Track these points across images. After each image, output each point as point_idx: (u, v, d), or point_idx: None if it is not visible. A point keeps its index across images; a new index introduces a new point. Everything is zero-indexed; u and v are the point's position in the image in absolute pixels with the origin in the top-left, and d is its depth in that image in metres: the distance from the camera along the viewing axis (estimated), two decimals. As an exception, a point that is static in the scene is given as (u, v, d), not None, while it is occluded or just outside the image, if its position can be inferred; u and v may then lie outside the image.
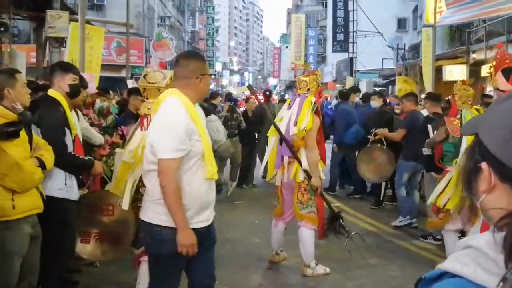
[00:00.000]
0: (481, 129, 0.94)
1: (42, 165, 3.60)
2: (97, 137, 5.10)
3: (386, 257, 6.07)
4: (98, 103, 6.14)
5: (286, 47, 61.13)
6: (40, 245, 3.79)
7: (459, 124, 5.30)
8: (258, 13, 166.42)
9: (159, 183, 3.01)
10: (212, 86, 52.08)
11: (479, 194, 0.92)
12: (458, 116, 5.40)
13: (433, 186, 5.98)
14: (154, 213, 3.12)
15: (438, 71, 14.59)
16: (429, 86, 13.04)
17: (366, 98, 10.65)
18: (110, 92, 8.54)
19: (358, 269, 5.63)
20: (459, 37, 18.07)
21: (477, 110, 5.46)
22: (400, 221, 7.53)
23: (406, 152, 7.55)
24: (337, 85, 32.84)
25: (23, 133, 3.55)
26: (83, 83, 4.75)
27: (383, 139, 8.08)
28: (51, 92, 4.13)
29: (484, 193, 0.91)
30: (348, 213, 7.95)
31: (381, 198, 8.86)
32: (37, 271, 3.77)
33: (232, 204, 8.72)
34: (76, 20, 8.57)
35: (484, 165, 0.91)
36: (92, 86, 6.29)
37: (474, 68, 15.26)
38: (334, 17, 32.95)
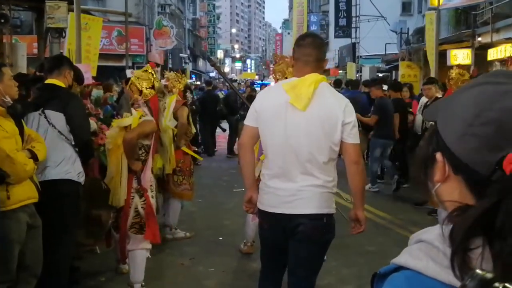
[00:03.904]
0: (440, 118, 0.92)
1: (34, 157, 3.65)
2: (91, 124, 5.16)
3: (385, 244, 6.10)
4: (95, 93, 6.17)
5: (288, 33, 60.83)
6: (57, 231, 3.98)
7: None
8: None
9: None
10: (213, 74, 52.03)
11: (433, 182, 0.92)
12: None
13: None
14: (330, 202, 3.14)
15: (443, 56, 14.39)
16: (433, 71, 12.90)
17: (355, 85, 12.76)
18: (114, 85, 8.63)
19: (355, 256, 5.66)
20: (465, 20, 17.75)
21: None
22: (370, 188, 8.80)
23: (378, 131, 8.90)
24: (340, 71, 32.65)
25: (13, 125, 3.60)
26: (79, 77, 4.77)
27: (358, 122, 8.99)
28: (58, 82, 4.20)
29: (438, 183, 0.91)
30: (345, 199, 7.95)
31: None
32: (41, 261, 3.85)
33: (231, 192, 8.77)
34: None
35: (438, 155, 0.90)
36: (89, 76, 6.30)
37: (480, 52, 15.01)
38: (336, 1, 32.49)
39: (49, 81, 4.23)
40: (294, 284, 3.24)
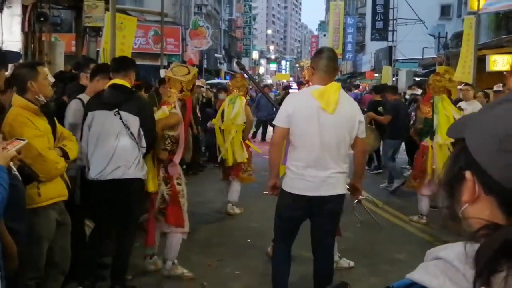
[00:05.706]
0: (468, 135, 0.87)
1: (65, 155, 3.71)
2: None
3: (415, 252, 5.96)
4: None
5: (324, 35, 60.38)
6: (125, 222, 4.40)
7: (431, 108, 6.71)
8: (296, 0, 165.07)
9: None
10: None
11: (461, 203, 0.87)
12: (431, 101, 6.77)
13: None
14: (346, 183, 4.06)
15: (481, 61, 14.05)
16: (470, 77, 12.52)
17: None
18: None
19: (384, 264, 5.57)
20: (506, 25, 17.35)
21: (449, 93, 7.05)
22: (397, 184, 9.24)
23: (391, 132, 9.44)
24: (376, 74, 32.31)
25: (46, 123, 3.66)
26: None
27: (372, 121, 9.81)
28: (126, 83, 4.31)
29: (466, 203, 0.86)
30: (377, 206, 7.85)
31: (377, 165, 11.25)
32: (69, 258, 3.94)
33: (261, 195, 8.73)
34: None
35: (468, 174, 0.85)
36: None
37: (521, 58, 14.62)
38: (374, 4, 32.26)
39: (117, 81, 4.30)
40: (323, 248, 4.05)
